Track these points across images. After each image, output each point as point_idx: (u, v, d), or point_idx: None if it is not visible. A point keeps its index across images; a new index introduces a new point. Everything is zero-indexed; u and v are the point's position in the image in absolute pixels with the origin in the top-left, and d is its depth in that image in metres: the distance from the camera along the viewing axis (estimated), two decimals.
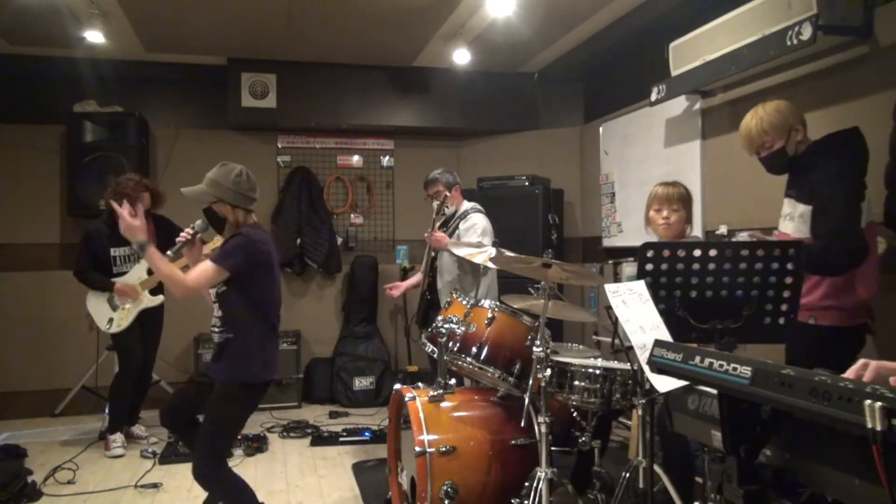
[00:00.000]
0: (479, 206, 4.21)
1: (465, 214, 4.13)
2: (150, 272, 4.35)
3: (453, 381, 3.23)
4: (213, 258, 2.74)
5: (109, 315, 4.42)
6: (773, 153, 2.66)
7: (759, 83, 3.74)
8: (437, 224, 4.18)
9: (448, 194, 4.09)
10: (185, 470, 3.44)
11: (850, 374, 1.30)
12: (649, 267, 2.02)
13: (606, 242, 5.36)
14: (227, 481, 2.82)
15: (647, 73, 4.56)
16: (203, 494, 2.92)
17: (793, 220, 2.62)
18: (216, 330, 2.84)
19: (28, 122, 5.57)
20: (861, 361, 1.31)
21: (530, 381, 2.78)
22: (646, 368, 1.66)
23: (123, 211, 2.70)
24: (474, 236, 3.97)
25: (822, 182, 2.50)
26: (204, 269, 2.71)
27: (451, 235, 4.07)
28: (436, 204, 4.08)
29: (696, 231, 3.97)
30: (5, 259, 5.53)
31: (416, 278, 4.44)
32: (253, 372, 2.81)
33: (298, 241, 5.93)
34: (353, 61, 5.75)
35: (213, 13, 4.59)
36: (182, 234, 2.89)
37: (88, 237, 4.41)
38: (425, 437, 2.83)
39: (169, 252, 2.90)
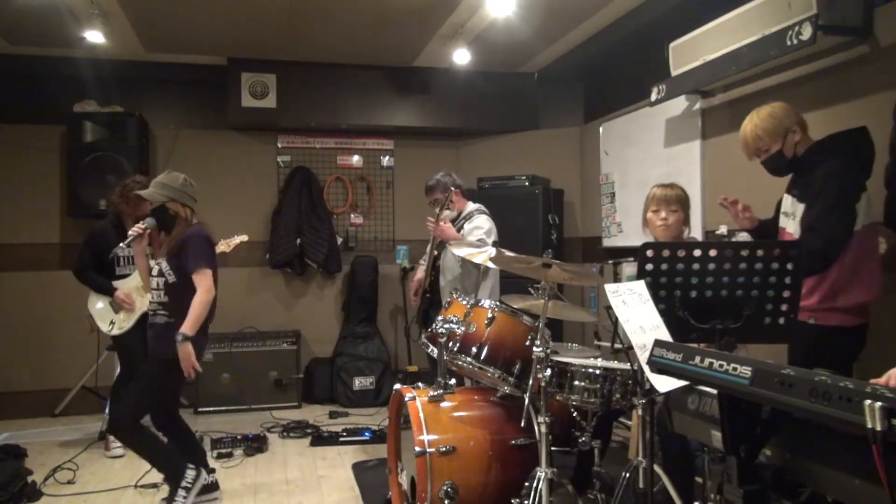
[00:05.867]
0: (483, 208, 4.21)
1: (469, 215, 4.14)
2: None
3: (453, 381, 3.23)
4: (196, 265, 3.25)
5: (111, 317, 4.40)
6: (772, 156, 2.67)
7: (759, 83, 3.74)
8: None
9: (441, 196, 4.09)
10: None
11: (884, 379, 1.28)
12: (649, 267, 2.02)
13: (606, 242, 5.36)
14: (143, 435, 3.30)
15: (647, 73, 4.56)
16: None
17: (794, 220, 2.63)
18: (161, 313, 3.31)
19: (28, 122, 5.56)
20: None
21: (530, 381, 2.78)
22: (646, 368, 1.66)
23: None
24: (478, 236, 3.97)
25: (819, 180, 2.51)
26: (200, 280, 3.26)
27: None
28: (438, 208, 4.09)
29: (696, 232, 3.97)
30: (5, 259, 5.52)
31: (419, 273, 4.43)
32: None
33: (298, 241, 5.93)
34: (353, 61, 5.75)
35: (213, 13, 4.59)
36: (134, 228, 3.35)
37: (92, 236, 4.39)
38: (425, 437, 2.83)
39: (122, 244, 3.38)
